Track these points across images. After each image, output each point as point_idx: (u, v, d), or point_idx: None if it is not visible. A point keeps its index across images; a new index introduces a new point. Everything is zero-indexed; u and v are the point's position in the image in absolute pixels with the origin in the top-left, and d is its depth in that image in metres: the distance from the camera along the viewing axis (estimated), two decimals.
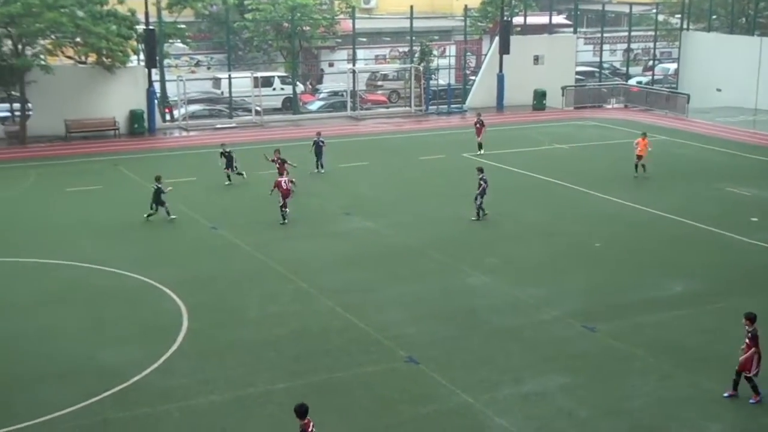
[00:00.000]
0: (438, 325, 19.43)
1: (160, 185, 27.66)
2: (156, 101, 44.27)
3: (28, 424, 15.11)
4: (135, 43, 43.17)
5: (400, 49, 61.39)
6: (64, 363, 17.52)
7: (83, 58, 42.93)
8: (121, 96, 42.57)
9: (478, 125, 38.06)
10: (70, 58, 43.66)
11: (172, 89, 47.00)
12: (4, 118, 43.17)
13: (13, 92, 41.51)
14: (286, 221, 27.09)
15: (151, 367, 17.18)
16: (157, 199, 27.59)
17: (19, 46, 38.95)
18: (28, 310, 20.23)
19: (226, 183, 32.24)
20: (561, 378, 16.90)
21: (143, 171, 33.78)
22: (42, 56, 40.15)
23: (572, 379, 16.87)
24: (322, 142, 34.49)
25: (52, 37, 40.31)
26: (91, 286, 21.80)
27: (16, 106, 41.79)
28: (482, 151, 37.42)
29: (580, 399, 16.14)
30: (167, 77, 47.13)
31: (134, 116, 42.88)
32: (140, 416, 15.47)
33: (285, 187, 27.28)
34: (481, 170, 27.90)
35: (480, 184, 27.49)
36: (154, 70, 43.92)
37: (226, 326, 19.38)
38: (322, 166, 34.32)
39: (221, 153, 32.72)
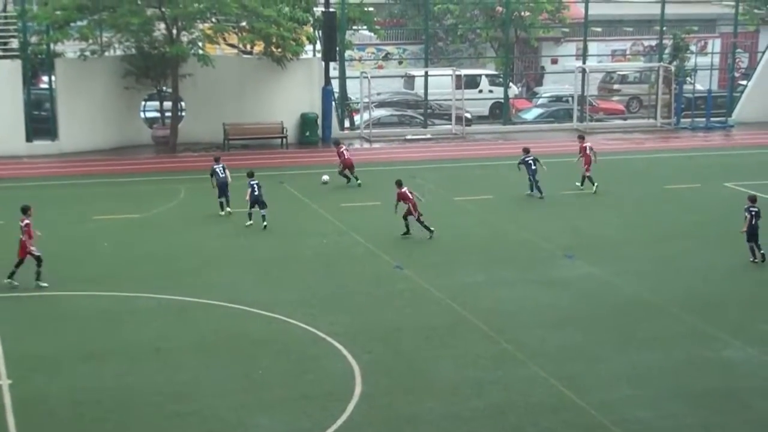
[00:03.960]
0: (682, 409, 18.90)
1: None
2: (333, 103, 45.44)
3: None
4: (311, 30, 44.55)
5: (645, 43, 60.58)
6: (205, 427, 18.17)
7: (248, 48, 44.78)
8: (291, 96, 44.03)
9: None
10: (232, 46, 45.70)
11: (353, 88, 48.09)
12: (153, 120, 45.54)
13: (164, 88, 43.78)
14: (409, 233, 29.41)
15: None
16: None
17: (174, 31, 41.06)
18: (172, 357, 21.17)
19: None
20: None
21: (314, 191, 34.83)
22: (200, 43, 42.15)
23: None
24: (534, 160, 34.45)
25: (213, 20, 42.24)
26: (246, 333, 22.57)
27: (167, 105, 44.04)
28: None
29: None
30: (348, 73, 48.27)
31: (306, 122, 44.18)
32: None
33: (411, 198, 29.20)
34: (753, 200, 27.55)
35: (746, 217, 27.05)
36: (332, 64, 45.15)
37: (409, 394, 19.55)
38: (540, 191, 34.28)
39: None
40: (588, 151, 35.38)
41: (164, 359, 21.06)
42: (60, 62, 42.38)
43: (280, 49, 42.11)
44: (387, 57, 61.94)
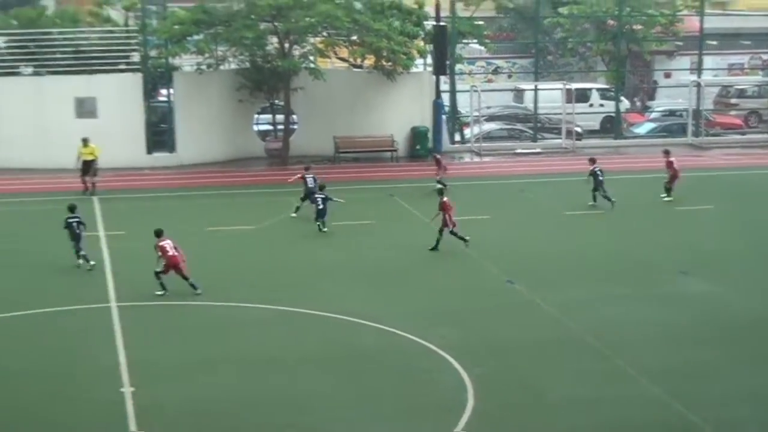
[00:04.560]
0: None
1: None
2: (444, 117, 45.56)
3: None
4: (422, 44, 44.77)
5: (765, 57, 59.39)
6: None
7: (359, 61, 45.18)
8: (401, 109, 44.29)
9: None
10: (343, 60, 46.14)
11: (463, 102, 48.19)
12: (265, 133, 46.19)
13: (276, 101, 44.39)
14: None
15: None
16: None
17: (286, 45, 41.62)
18: (286, 369, 21.39)
19: None
20: None
21: (424, 204, 34.91)
22: (311, 57, 42.70)
23: None
24: (600, 171, 34.85)
25: (324, 34, 42.77)
26: (358, 346, 22.73)
27: (279, 118, 44.61)
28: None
29: None
30: (458, 87, 48.36)
31: (416, 135, 44.40)
32: None
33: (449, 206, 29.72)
34: None
35: None
36: (442, 78, 45.29)
37: (521, 410, 19.49)
38: (609, 200, 34.61)
39: None
40: (675, 165, 35.85)
41: (278, 370, 21.30)
42: (178, 75, 43.34)
43: (390, 63, 42.41)
44: (497, 71, 61.87)
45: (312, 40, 42.94)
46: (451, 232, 29.83)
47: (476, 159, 44.99)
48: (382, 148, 43.91)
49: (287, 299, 25.65)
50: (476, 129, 46.84)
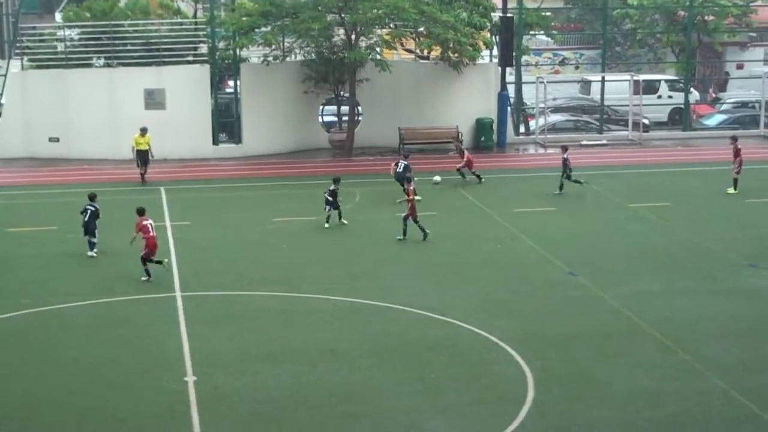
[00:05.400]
0: None
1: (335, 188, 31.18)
2: (509, 108, 45.39)
3: None
4: (488, 35, 44.60)
5: None
6: (377, 430, 18.34)
7: (425, 52, 45.11)
8: (466, 101, 44.18)
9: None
10: (409, 51, 46.11)
11: (528, 93, 47.96)
12: (330, 124, 46.30)
13: (341, 93, 44.47)
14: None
15: None
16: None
17: (353, 36, 41.69)
18: (346, 359, 21.45)
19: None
20: None
21: (487, 195, 34.87)
22: (378, 49, 42.70)
23: None
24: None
25: (391, 25, 42.77)
26: (419, 337, 22.69)
27: (344, 109, 44.69)
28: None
29: None
30: (524, 78, 48.14)
31: (481, 126, 44.27)
32: None
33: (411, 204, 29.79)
34: None
35: None
36: (508, 69, 45.10)
37: (582, 402, 19.35)
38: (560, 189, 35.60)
39: None
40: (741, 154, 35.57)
41: (338, 360, 21.35)
42: (245, 67, 43.59)
43: (456, 54, 42.28)
44: (563, 62, 61.50)
45: (378, 31, 42.96)
46: (414, 221, 30.06)
47: (541, 151, 44.74)
48: (446, 140, 43.74)
49: (348, 290, 25.71)
50: (541, 121, 46.59)
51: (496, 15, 44.11)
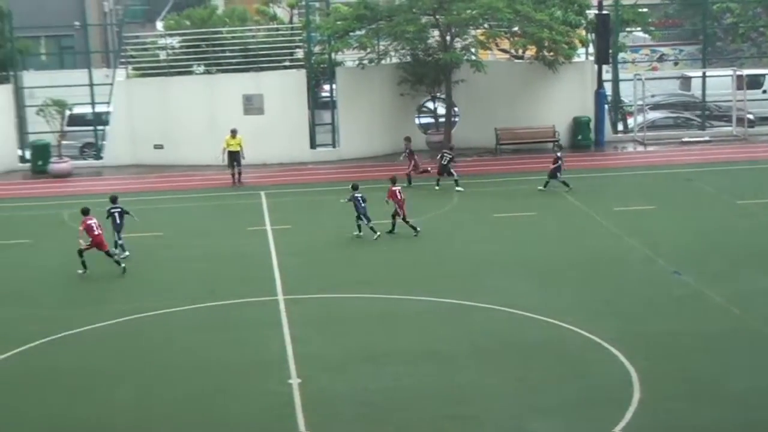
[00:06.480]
0: None
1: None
2: (606, 106, 44.89)
3: None
4: (584, 33, 44.17)
5: None
6: (486, 429, 18.30)
7: (520, 52, 44.82)
8: (563, 100, 43.77)
9: None
10: (504, 51, 45.85)
11: (626, 91, 47.37)
12: (427, 126, 46.24)
13: (437, 94, 44.40)
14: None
15: None
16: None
17: (447, 38, 41.58)
18: (448, 360, 21.43)
19: None
20: None
21: (587, 195, 34.50)
22: (473, 49, 42.50)
23: None
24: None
25: (486, 26, 42.55)
26: (521, 338, 22.59)
27: (440, 111, 44.61)
28: None
29: None
30: (621, 76, 47.53)
31: (578, 125, 43.82)
32: None
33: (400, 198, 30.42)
34: None
35: None
36: (605, 67, 44.59)
37: (693, 401, 19.06)
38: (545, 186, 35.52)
39: None
40: None
41: (440, 362, 21.32)
42: (340, 71, 43.74)
43: (552, 53, 41.91)
44: (662, 58, 60.51)
45: (473, 32, 42.78)
46: (403, 219, 30.55)
47: (640, 148, 44.11)
48: (543, 139, 43.36)
49: (447, 291, 25.65)
50: (640, 118, 45.94)
51: (592, 12, 43.65)
